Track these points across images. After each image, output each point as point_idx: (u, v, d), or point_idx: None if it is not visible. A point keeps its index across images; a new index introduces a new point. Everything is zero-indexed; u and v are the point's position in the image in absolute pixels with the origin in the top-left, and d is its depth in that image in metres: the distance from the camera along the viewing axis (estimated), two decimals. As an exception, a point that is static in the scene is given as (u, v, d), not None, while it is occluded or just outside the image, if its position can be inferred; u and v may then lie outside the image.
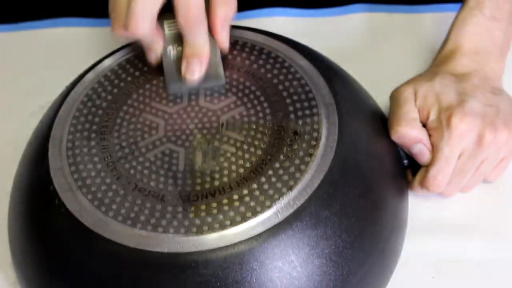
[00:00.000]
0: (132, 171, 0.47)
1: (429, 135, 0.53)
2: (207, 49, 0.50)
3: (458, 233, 0.54)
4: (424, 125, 0.53)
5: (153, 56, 0.52)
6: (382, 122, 0.54)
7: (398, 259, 0.52)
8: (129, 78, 0.53)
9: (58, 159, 0.49)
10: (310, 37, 0.70)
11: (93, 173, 0.47)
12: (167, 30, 0.52)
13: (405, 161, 0.54)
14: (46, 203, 0.47)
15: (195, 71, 0.50)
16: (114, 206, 0.45)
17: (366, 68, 0.66)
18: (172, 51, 0.51)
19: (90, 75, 0.54)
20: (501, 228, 0.55)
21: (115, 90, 0.52)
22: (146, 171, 0.47)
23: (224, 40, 0.51)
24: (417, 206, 0.55)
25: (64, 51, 0.72)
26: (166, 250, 0.43)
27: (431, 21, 0.70)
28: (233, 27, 0.58)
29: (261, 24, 0.70)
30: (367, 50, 0.69)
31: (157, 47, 0.51)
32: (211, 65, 0.51)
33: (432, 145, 0.52)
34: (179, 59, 0.51)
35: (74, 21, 0.75)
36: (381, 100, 0.58)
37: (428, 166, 0.52)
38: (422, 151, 0.53)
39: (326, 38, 0.70)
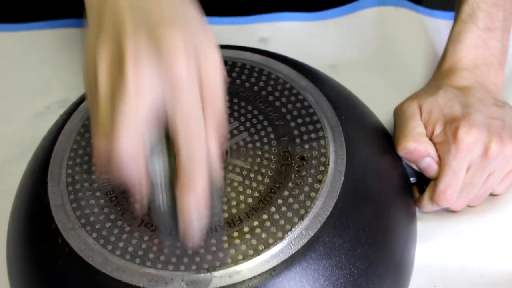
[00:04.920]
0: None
1: (436, 149, 0.52)
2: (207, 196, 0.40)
3: (461, 243, 0.54)
4: (430, 139, 0.52)
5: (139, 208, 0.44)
6: (387, 139, 0.53)
7: (411, 275, 0.51)
8: None
9: (58, 195, 0.47)
10: (316, 41, 0.69)
11: (96, 209, 0.46)
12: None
13: (412, 179, 0.53)
14: (48, 243, 0.46)
15: (195, 231, 0.41)
16: (121, 244, 0.44)
17: (370, 73, 0.66)
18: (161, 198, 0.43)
19: (86, 104, 0.52)
20: (505, 238, 0.54)
21: (114, 120, 0.50)
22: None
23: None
24: (420, 216, 0.54)
25: (69, 51, 0.71)
26: (177, 289, 0.42)
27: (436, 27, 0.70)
28: (229, 47, 0.56)
29: (268, 29, 0.70)
30: (373, 53, 0.68)
31: (143, 190, 0.41)
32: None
33: (439, 158, 0.52)
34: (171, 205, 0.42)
35: (79, 22, 0.73)
36: (382, 104, 0.57)
37: (436, 181, 0.52)
38: (430, 165, 0.52)
39: (333, 40, 0.69)
